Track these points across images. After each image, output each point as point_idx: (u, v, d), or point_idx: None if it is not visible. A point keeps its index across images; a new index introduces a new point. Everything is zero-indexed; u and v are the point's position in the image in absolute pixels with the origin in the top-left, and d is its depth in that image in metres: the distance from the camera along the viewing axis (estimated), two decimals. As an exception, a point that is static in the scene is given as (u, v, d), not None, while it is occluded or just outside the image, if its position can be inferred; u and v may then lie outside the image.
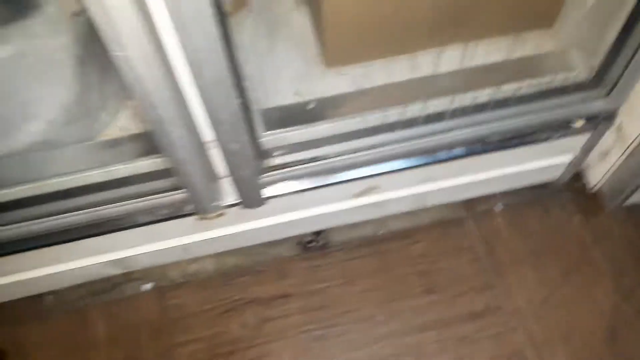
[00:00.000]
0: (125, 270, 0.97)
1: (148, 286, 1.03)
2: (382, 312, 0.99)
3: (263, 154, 0.75)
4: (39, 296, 1.03)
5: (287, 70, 0.85)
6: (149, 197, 0.73)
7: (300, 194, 0.82)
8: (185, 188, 0.70)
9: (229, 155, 0.66)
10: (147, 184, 0.73)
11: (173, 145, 0.61)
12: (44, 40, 0.67)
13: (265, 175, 0.75)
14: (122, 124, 0.82)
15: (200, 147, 0.65)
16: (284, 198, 0.81)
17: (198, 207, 0.74)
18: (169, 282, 1.03)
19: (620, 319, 0.96)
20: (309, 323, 0.98)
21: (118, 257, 0.90)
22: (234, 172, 0.69)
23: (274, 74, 0.85)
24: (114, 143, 0.74)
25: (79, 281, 0.98)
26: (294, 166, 0.77)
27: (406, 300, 1.00)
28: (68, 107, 0.73)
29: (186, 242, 0.90)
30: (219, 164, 0.70)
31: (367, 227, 1.07)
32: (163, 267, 1.03)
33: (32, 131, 0.70)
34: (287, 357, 0.96)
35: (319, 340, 0.97)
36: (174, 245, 0.90)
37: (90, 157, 0.74)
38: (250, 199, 0.76)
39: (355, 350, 0.95)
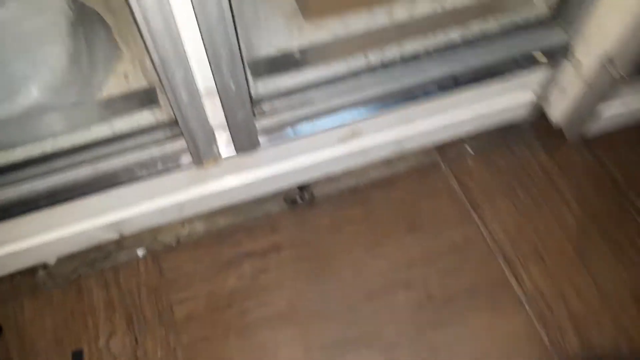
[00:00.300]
0: (119, 235, 0.98)
1: (142, 252, 1.05)
2: (371, 253, 1.04)
3: (254, 102, 0.79)
4: (31, 271, 1.03)
5: (268, 25, 0.89)
6: (147, 147, 0.76)
7: (290, 141, 0.86)
8: (183, 134, 0.73)
9: (225, 97, 0.69)
10: (145, 135, 0.75)
11: (175, 88, 0.64)
12: (39, 3, 0.68)
13: (257, 121, 0.79)
14: (114, 85, 0.83)
15: (198, 91, 0.67)
16: (273, 146, 0.85)
17: (195, 153, 0.77)
18: (163, 246, 1.05)
19: (586, 239, 1.05)
20: (303, 271, 1.03)
21: (113, 220, 0.92)
22: (229, 114, 0.73)
23: (256, 28, 0.88)
24: (108, 103, 0.76)
25: (73, 249, 0.98)
26: (283, 112, 0.81)
27: (392, 241, 1.06)
28: (63, 70, 0.74)
29: (181, 199, 0.92)
30: (216, 108, 0.73)
31: (349, 179, 1.12)
32: (155, 232, 1.05)
33: (30, 95, 0.71)
34: (284, 304, 1.00)
35: (313, 285, 1.02)
36: (169, 203, 0.92)
37: (86, 116, 0.75)
38: (245, 142, 0.79)
39: (349, 289, 1.01)
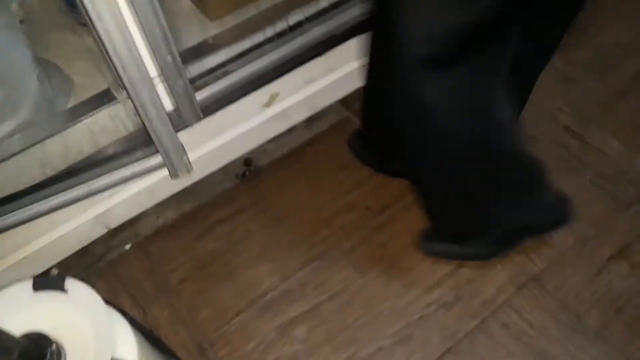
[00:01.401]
0: (106, 229, 1.17)
1: (128, 246, 1.24)
2: (315, 193, 1.28)
3: (190, 80, 1.03)
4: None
5: (180, 27, 1.15)
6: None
7: (225, 110, 1.10)
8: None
9: (167, 72, 0.93)
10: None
11: (132, 83, 0.88)
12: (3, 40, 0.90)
13: (196, 93, 1.03)
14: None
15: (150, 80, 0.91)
16: (212, 116, 1.09)
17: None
18: (144, 237, 1.25)
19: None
20: (265, 221, 1.25)
21: (98, 212, 1.11)
22: (174, 89, 0.96)
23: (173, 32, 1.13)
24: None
25: (70, 251, 1.16)
26: (211, 84, 1.06)
27: (329, 180, 1.30)
28: (35, 95, 0.96)
29: (150, 183, 1.13)
30: (165, 95, 0.97)
31: (282, 147, 1.37)
32: (136, 229, 1.25)
33: (20, 115, 0.92)
34: (257, 248, 1.21)
35: (276, 228, 1.24)
36: (141, 188, 1.13)
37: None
38: (190, 115, 1.03)
39: (305, 223, 1.24)
